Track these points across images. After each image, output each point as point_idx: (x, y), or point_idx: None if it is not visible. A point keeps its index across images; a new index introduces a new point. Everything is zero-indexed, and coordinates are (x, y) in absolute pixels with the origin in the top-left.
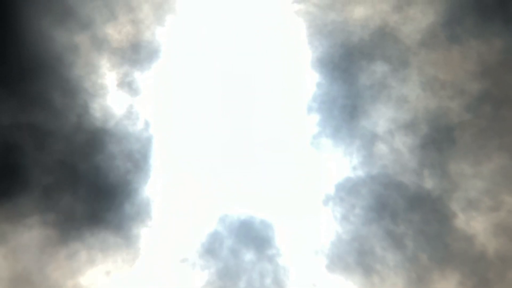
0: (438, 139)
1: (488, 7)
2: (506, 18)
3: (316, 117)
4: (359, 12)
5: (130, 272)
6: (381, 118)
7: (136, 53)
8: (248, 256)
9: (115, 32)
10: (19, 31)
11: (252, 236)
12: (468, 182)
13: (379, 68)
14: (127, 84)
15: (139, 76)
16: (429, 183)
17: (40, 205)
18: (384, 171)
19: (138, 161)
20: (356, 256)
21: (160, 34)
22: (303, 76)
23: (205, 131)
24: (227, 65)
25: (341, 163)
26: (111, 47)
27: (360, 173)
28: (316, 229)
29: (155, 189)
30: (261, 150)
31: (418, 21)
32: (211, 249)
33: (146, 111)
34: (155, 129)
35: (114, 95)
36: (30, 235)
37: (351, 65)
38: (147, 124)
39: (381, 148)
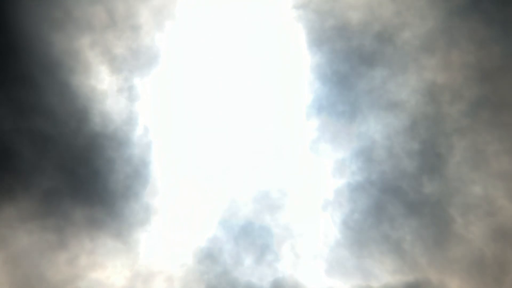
0: (436, 145)
1: (487, 13)
2: (504, 24)
3: (315, 123)
4: (358, 18)
5: (129, 276)
6: (380, 123)
7: (135, 58)
8: (248, 261)
9: (115, 37)
10: (19, 36)
11: (251, 241)
12: (466, 188)
13: (378, 74)
14: (126, 90)
15: (138, 82)
16: (428, 188)
17: (40, 209)
18: (383, 176)
19: (138, 166)
20: (355, 261)
21: (160, 40)
22: (302, 82)
23: (204, 136)
24: (226, 71)
25: (340, 168)
26: (111, 52)
27: (359, 178)
28: (315, 234)
29: (155, 194)
30: (260, 155)
31: (417, 26)
32: (210, 254)
33: (145, 116)
34: (155, 134)
35: (114, 101)
36: (30, 239)
37: (350, 70)
38: (146, 129)
39: (380, 153)
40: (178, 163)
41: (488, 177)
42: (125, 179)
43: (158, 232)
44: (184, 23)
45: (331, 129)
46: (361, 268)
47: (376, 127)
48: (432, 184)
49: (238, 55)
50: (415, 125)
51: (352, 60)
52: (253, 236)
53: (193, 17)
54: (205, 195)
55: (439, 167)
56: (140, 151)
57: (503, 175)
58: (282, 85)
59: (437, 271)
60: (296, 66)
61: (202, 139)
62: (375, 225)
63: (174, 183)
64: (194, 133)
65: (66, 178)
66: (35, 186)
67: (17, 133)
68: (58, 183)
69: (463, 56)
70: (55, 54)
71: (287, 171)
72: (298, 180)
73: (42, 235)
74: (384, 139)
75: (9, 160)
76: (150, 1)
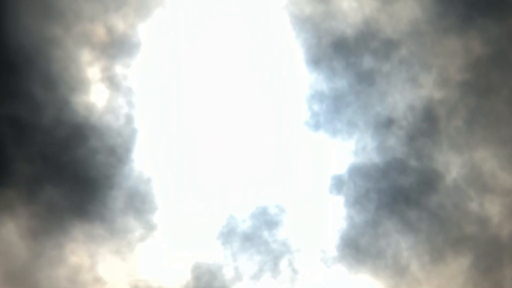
0: (433, 161)
1: (483, 31)
2: (501, 41)
3: (312, 139)
4: (355, 35)
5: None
6: (377, 140)
7: (118, 47)
8: (246, 276)
9: (98, 25)
10: (18, 52)
11: (249, 257)
12: (463, 204)
13: (375, 90)
14: (109, 79)
15: (121, 70)
16: (424, 204)
17: (40, 226)
18: (379, 192)
19: (137, 182)
20: (353, 276)
21: (160, 57)
22: (299, 98)
23: (203, 152)
24: (223, 92)
25: (337, 184)
26: (110, 69)
27: (356, 194)
28: (313, 249)
29: (154, 209)
30: (258, 171)
31: (414, 43)
32: (209, 270)
33: (145, 133)
34: (155, 151)
35: (96, 89)
36: (30, 256)
37: (347, 87)
38: (145, 145)
39: (377, 170)
40: (177, 179)
41: (484, 193)
42: (125, 195)
43: (157, 247)
44: (169, 11)
45: (328, 146)
46: (359, 284)
47: (373, 144)
48: (429, 200)
49: (235, 74)
50: (412, 142)
51: (350, 77)
52: (251, 252)
53: (192, 37)
54: (203, 211)
55: (435, 184)
56: (139, 167)
57: (499, 191)
58: (280, 101)
59: (434, 287)
60: (293, 83)
61: (201, 155)
62: (372, 241)
63: (173, 199)
64: (193, 149)
65: (65, 195)
66: (35, 203)
67: (16, 149)
68: (58, 199)
69: (459, 73)
70: (35, 41)
71: (285, 187)
72: (296, 196)
73: (42, 251)
74: (381, 156)
75: (9, 177)
76: (150, 17)
